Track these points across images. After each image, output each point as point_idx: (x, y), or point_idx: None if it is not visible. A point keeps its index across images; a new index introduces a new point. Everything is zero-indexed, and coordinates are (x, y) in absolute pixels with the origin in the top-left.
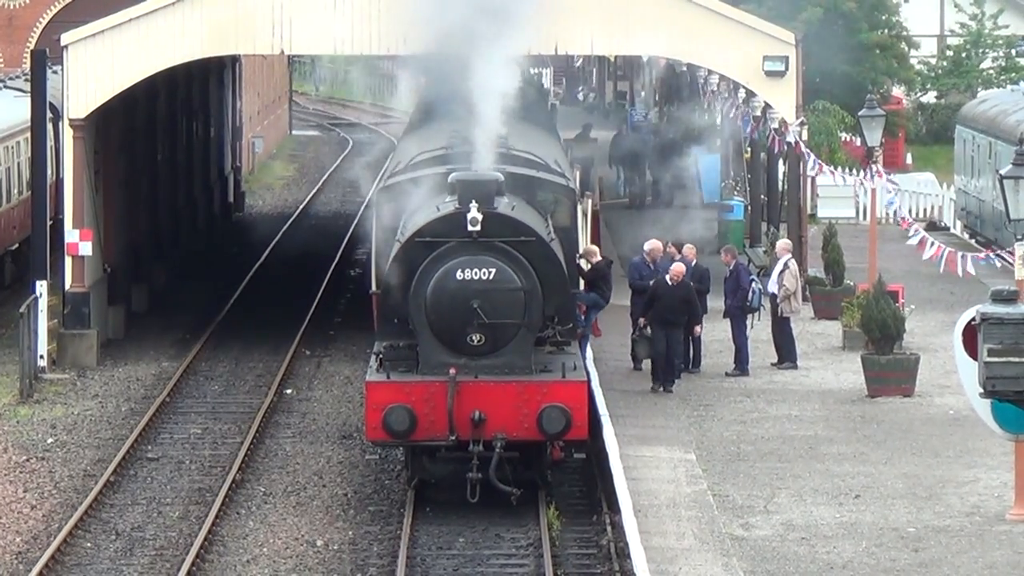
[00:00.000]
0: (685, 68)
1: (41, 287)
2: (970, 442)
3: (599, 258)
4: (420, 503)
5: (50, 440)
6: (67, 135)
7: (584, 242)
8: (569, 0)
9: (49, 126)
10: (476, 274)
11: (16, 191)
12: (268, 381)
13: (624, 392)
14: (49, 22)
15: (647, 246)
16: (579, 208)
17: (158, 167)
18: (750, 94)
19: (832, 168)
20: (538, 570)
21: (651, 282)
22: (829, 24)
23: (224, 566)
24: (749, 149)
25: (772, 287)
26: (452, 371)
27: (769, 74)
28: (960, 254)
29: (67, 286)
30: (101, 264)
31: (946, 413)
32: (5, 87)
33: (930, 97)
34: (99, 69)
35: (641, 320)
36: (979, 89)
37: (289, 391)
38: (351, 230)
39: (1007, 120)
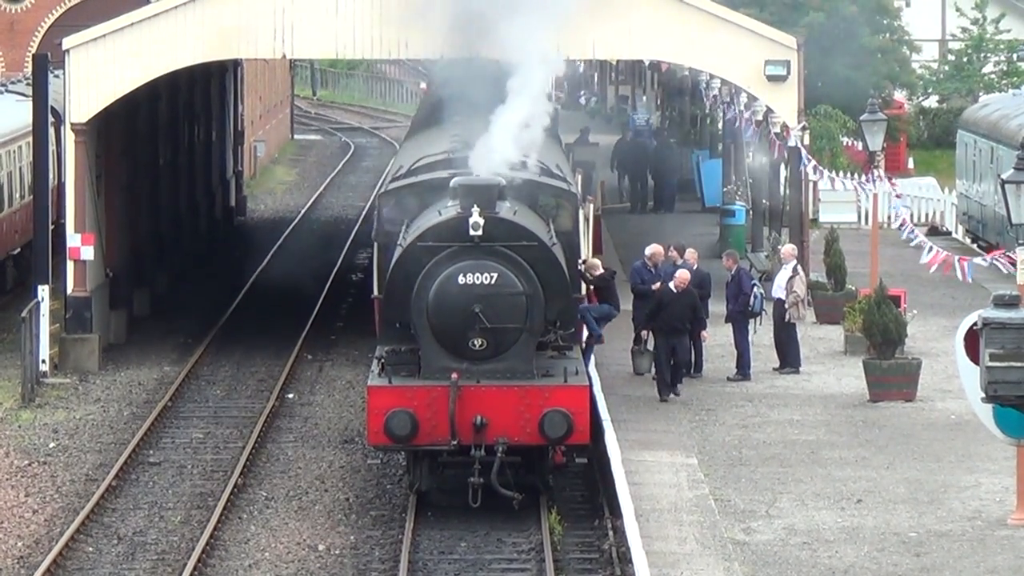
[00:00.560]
0: (687, 72)
1: (43, 291)
2: (972, 447)
3: (601, 271)
4: (422, 508)
5: (52, 444)
6: (69, 139)
7: (586, 246)
8: (571, 5)
9: (51, 130)
10: (478, 278)
11: (18, 195)
12: (270, 385)
13: (626, 397)
14: (51, 26)
15: (648, 250)
16: (581, 212)
17: (160, 171)
18: (752, 98)
19: (833, 173)
20: (540, 575)
21: (653, 288)
22: (831, 28)
23: (226, 570)
24: (751, 154)
25: (777, 292)
26: (454, 375)
27: (771, 78)
28: (958, 257)
29: (69, 290)
30: (103, 268)
31: (948, 418)
32: (7, 91)
33: (932, 101)
34: (101, 73)
35: (644, 332)
36: (981, 93)
37: (291, 395)
38: (353, 234)
39: (1009, 124)
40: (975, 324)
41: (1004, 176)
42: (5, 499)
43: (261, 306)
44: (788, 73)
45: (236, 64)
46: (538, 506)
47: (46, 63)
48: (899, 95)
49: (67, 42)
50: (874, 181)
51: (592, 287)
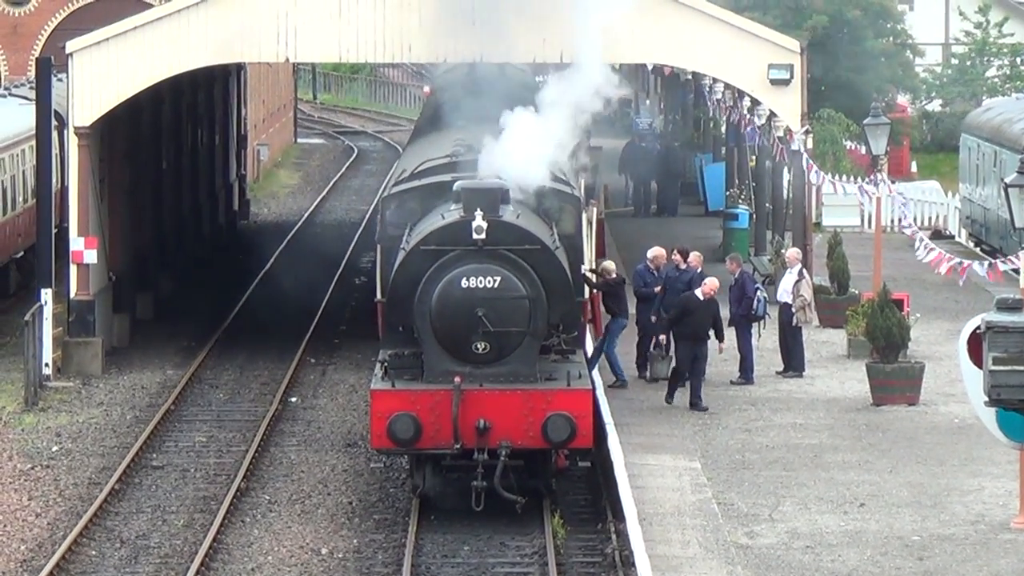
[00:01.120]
0: (690, 76)
1: (46, 295)
2: (975, 451)
3: (615, 275)
4: (425, 511)
5: (55, 448)
6: (72, 143)
7: (589, 250)
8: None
9: (54, 134)
10: (481, 282)
11: (21, 199)
12: (273, 389)
13: (629, 400)
14: (54, 30)
15: (650, 253)
16: (584, 216)
17: (163, 175)
18: (755, 102)
19: (834, 177)
20: None
21: (655, 290)
22: (834, 32)
23: (229, 574)
24: (754, 157)
25: (783, 296)
26: (457, 379)
27: (774, 82)
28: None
29: (72, 294)
30: (106, 272)
31: (951, 421)
32: (10, 95)
33: (935, 105)
34: (104, 77)
35: (662, 337)
36: (984, 97)
37: (294, 399)
38: (356, 238)
39: (1012, 128)
40: (978, 328)
41: (1007, 180)
42: (8, 502)
43: (264, 310)
44: (791, 77)
45: (239, 68)
46: (541, 510)
47: (49, 67)
48: (902, 99)
49: (70, 46)
50: (877, 185)
51: (596, 291)
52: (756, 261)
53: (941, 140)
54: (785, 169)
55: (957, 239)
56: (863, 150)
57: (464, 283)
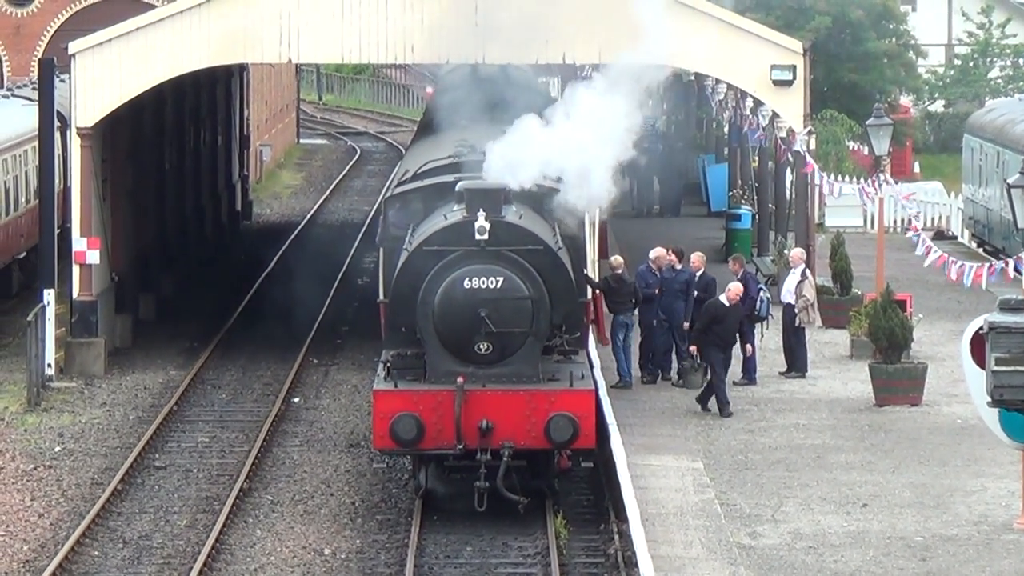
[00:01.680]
0: (692, 77)
1: (49, 295)
2: (978, 451)
3: (622, 270)
4: (427, 512)
5: (58, 448)
6: (75, 143)
7: (592, 250)
8: (576, 10)
9: (57, 135)
10: (484, 283)
11: (24, 199)
12: (275, 390)
13: (632, 401)
14: (56, 31)
15: (652, 254)
16: (587, 217)
17: (166, 175)
18: (757, 103)
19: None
20: None
21: (656, 292)
22: (837, 33)
23: (231, 574)
24: (757, 158)
25: (786, 296)
26: (460, 380)
27: (777, 83)
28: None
29: (75, 295)
30: (109, 272)
31: (954, 422)
32: (13, 96)
33: (938, 106)
34: (107, 78)
35: (692, 348)
36: (987, 98)
37: (296, 400)
38: (358, 239)
39: (1015, 129)
40: (981, 328)
41: (1010, 180)
42: (11, 503)
43: (267, 310)
44: (794, 78)
45: (242, 68)
46: (544, 510)
47: (52, 67)
48: (905, 99)
49: (73, 46)
50: (880, 186)
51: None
52: (759, 262)
53: (944, 141)
54: (787, 170)
55: (960, 240)
56: (866, 151)
57: (467, 283)
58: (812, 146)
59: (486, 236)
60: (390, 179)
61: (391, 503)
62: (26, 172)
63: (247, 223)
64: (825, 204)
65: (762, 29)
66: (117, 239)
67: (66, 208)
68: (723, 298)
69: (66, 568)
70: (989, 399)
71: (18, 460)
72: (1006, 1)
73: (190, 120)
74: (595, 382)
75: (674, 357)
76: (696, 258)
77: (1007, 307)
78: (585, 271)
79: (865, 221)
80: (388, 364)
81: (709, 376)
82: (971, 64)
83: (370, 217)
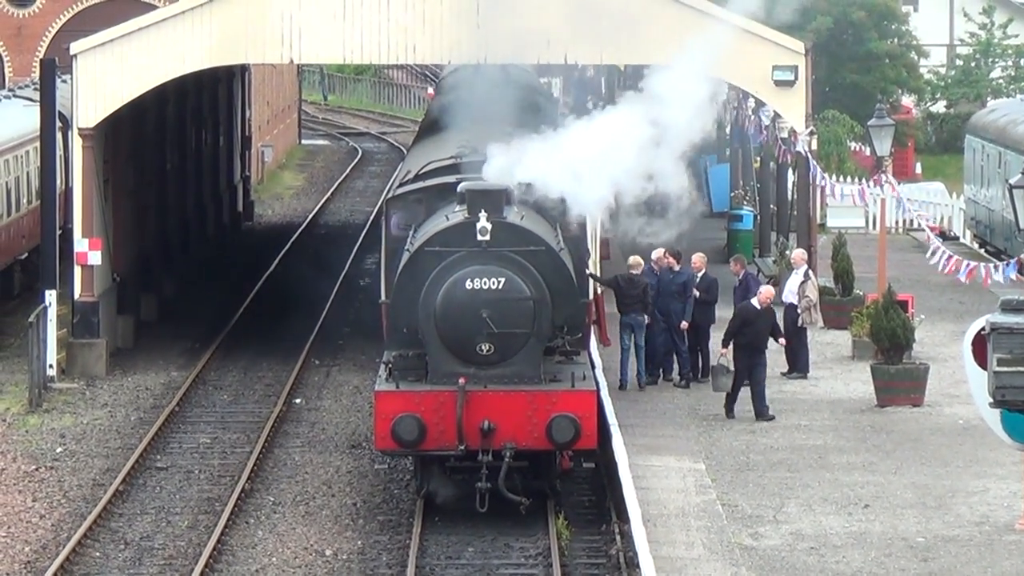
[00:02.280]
0: None
1: (50, 296)
2: (979, 452)
3: (638, 271)
4: (429, 513)
5: (59, 449)
6: (76, 144)
7: (594, 251)
8: (579, 11)
9: (58, 135)
10: (485, 283)
11: (25, 200)
12: (277, 390)
13: (633, 402)
14: (58, 31)
15: (653, 255)
16: (589, 217)
17: (167, 176)
18: (759, 103)
19: (836, 179)
20: None
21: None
22: (839, 34)
23: (233, 575)
24: (759, 159)
25: (789, 297)
26: (461, 380)
27: (778, 83)
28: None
29: (76, 295)
30: (110, 273)
31: (955, 423)
32: (14, 96)
33: (939, 107)
34: (108, 78)
35: (723, 352)
36: (989, 99)
37: (298, 400)
38: (360, 239)
39: (1017, 130)
40: (983, 329)
41: (1012, 181)
42: (12, 504)
43: (268, 311)
44: (796, 78)
45: (244, 69)
46: (545, 511)
47: (54, 68)
48: (907, 100)
49: (75, 47)
50: (882, 186)
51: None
52: (760, 262)
53: (946, 141)
54: (789, 170)
55: (962, 240)
56: (867, 151)
57: (468, 284)
58: (814, 146)
59: (488, 237)
60: (392, 180)
61: (393, 504)
62: (28, 173)
63: (248, 224)
64: (827, 205)
65: (764, 29)
66: (119, 240)
67: (68, 209)
68: (754, 301)
69: (68, 569)
70: (991, 400)
71: (20, 461)
72: (1008, 1)
73: (192, 120)
74: (596, 383)
75: (674, 358)
76: (697, 259)
77: (1009, 308)
78: (589, 270)
79: (867, 222)
80: (390, 365)
81: (736, 379)
82: (973, 65)
83: (372, 218)
